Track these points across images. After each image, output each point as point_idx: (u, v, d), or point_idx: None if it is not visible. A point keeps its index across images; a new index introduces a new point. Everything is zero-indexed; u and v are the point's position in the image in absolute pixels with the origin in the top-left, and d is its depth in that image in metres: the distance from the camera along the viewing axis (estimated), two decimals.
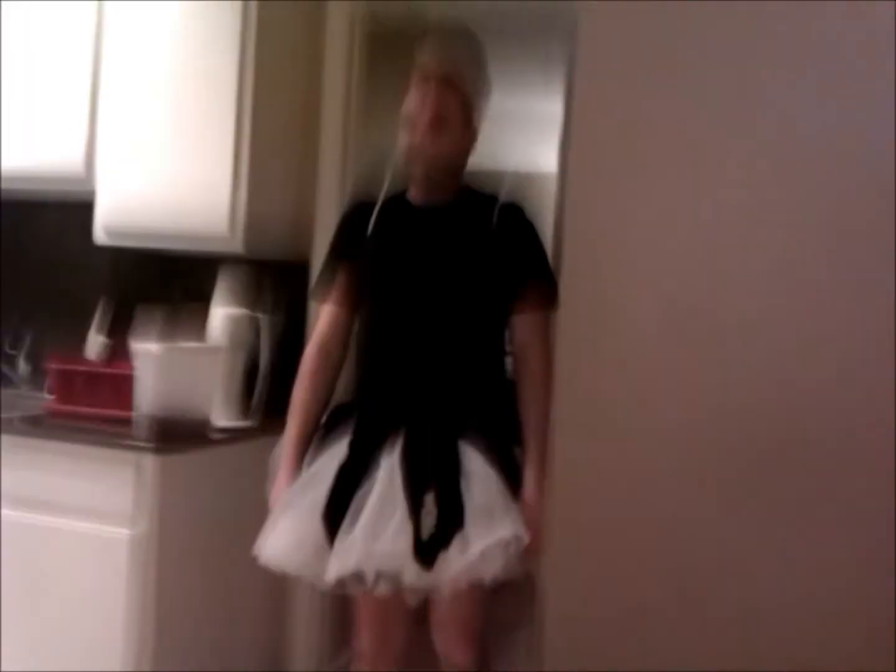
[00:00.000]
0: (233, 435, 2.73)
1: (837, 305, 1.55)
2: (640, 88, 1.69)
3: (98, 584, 2.50)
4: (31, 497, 2.58)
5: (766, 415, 1.60)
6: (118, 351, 2.91)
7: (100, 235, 2.94)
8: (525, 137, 6.43)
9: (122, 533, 2.46)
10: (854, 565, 1.53)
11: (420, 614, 2.22)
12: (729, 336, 1.63)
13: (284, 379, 2.32)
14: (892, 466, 1.50)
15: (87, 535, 2.51)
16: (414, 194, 2.23)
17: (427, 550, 1.99)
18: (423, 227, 2.20)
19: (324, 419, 2.25)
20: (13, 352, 3.30)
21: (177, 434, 2.54)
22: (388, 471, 2.05)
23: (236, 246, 2.76)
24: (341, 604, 2.33)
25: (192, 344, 2.73)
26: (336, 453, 2.13)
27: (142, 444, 2.47)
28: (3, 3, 3.07)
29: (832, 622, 1.55)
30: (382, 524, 2.00)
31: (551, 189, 4.68)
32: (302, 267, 2.87)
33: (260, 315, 2.83)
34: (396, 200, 2.25)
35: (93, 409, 2.69)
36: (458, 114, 2.16)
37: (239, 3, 2.74)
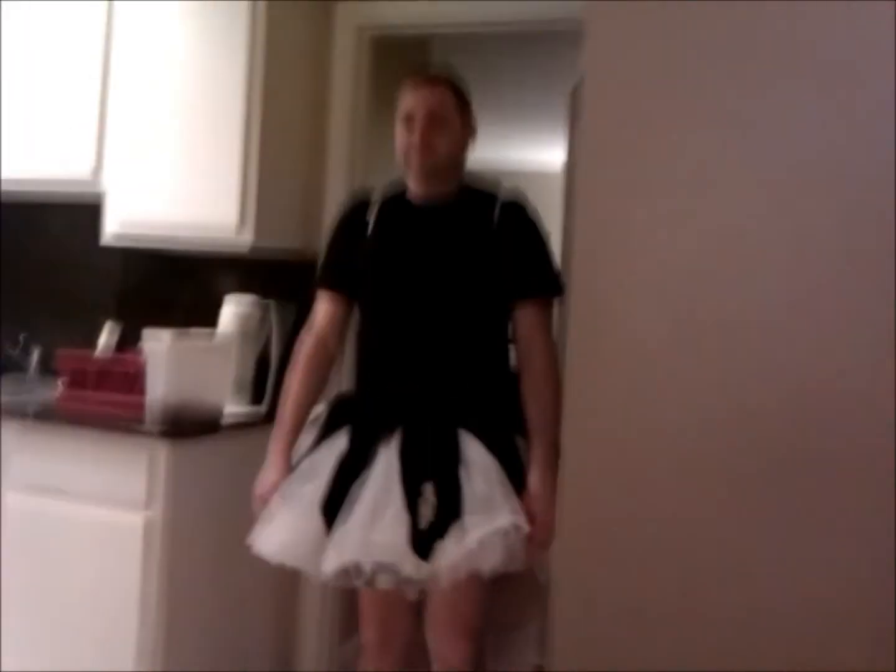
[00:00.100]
0: (244, 423, 2.77)
1: (847, 308, 1.55)
2: (650, 89, 1.67)
3: (109, 569, 2.53)
4: (44, 484, 2.62)
5: (776, 416, 1.57)
6: (129, 345, 2.96)
7: (110, 236, 2.97)
8: (527, 136, 6.47)
9: (135, 519, 2.50)
10: (866, 566, 1.55)
11: (423, 608, 2.19)
12: (737, 336, 1.61)
13: None
14: None
15: (100, 521, 2.54)
16: (413, 193, 2.23)
17: (424, 540, 1.97)
18: (424, 225, 2.21)
19: (324, 410, 2.25)
20: (23, 347, 3.34)
21: (188, 422, 2.57)
22: (386, 462, 2.05)
23: (247, 240, 2.80)
24: (350, 592, 2.34)
25: (203, 338, 2.77)
26: (335, 445, 2.13)
27: (153, 430, 2.51)
28: (5, 3, 3.10)
29: (845, 623, 1.55)
30: (379, 515, 1.99)
31: (553, 187, 4.72)
32: (311, 262, 2.90)
33: (270, 307, 2.88)
34: (396, 199, 2.26)
35: (104, 400, 2.72)
36: (455, 111, 2.18)
37: (248, 2, 2.78)
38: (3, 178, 3.08)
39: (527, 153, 6.98)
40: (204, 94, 2.84)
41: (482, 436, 2.06)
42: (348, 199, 2.40)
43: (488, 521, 1.97)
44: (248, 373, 2.82)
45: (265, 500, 2.16)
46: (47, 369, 3.20)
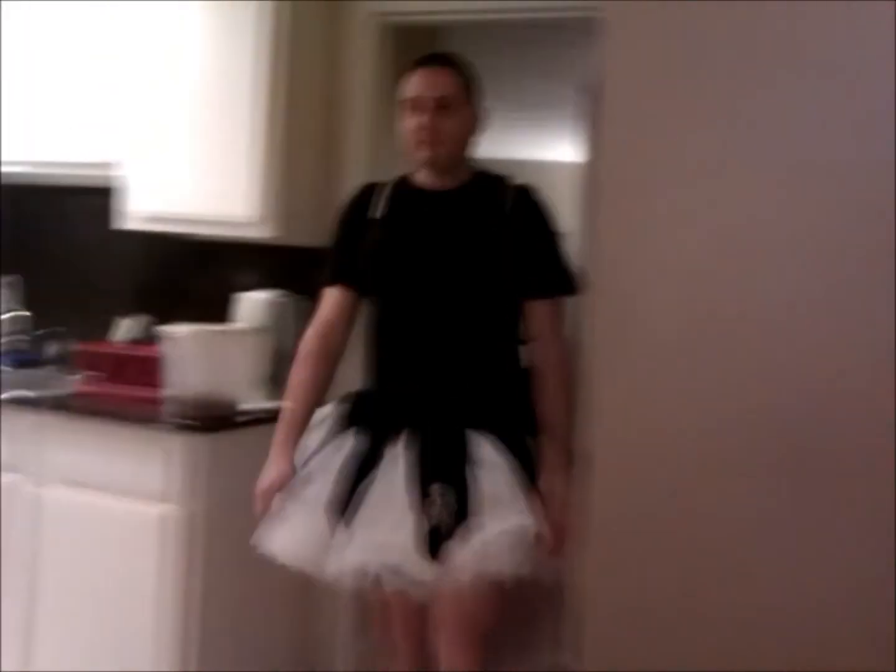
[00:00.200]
0: (264, 417, 2.76)
1: (870, 307, 1.55)
2: (673, 84, 1.67)
3: (128, 559, 2.55)
4: (63, 474, 2.64)
5: (801, 412, 1.58)
6: (147, 334, 2.95)
7: (131, 221, 2.97)
8: (540, 126, 6.43)
9: (152, 512, 2.52)
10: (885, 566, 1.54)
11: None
12: (759, 333, 1.61)
13: None
14: None
15: (120, 513, 2.56)
16: (423, 178, 2.18)
17: (431, 541, 1.94)
18: (434, 212, 2.16)
19: (334, 409, 2.21)
20: (41, 337, 3.34)
21: (207, 415, 2.58)
22: (394, 462, 2.02)
23: (267, 231, 2.79)
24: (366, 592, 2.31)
25: (222, 327, 2.77)
26: (344, 445, 2.11)
27: (172, 424, 2.51)
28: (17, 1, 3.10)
29: (862, 622, 1.55)
30: (386, 516, 1.97)
31: (563, 177, 4.70)
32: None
33: (288, 301, 2.87)
34: (405, 185, 2.21)
35: (122, 390, 2.73)
36: (462, 95, 2.14)
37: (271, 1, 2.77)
38: (25, 162, 3.09)
39: (534, 148, 6.94)
40: (225, 84, 2.83)
41: (493, 435, 2.03)
42: (353, 190, 2.35)
43: (497, 523, 1.93)
44: (267, 367, 2.81)
45: (268, 499, 2.10)
46: (65, 359, 3.19)
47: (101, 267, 3.39)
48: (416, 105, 2.11)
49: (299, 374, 2.20)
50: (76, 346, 2.93)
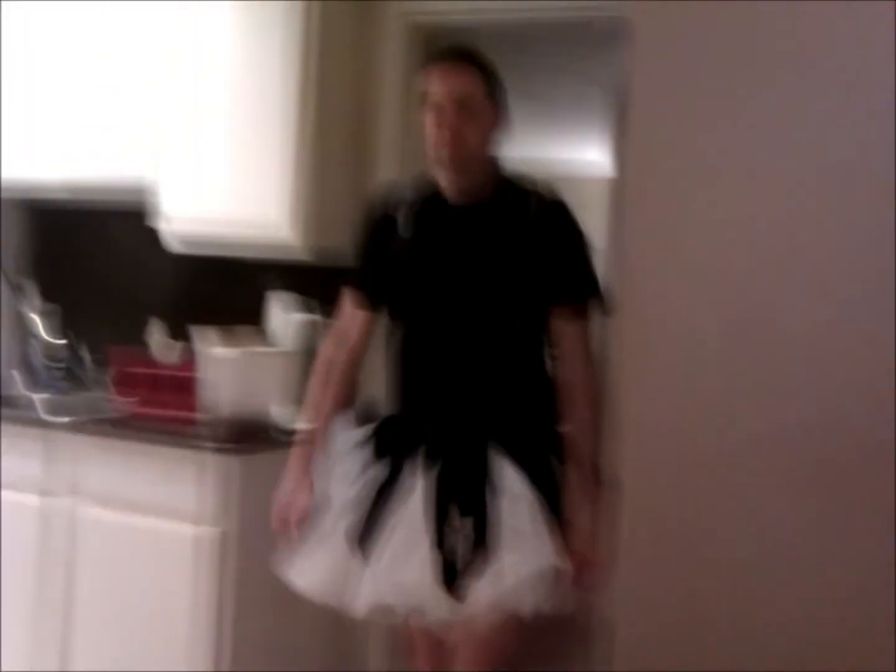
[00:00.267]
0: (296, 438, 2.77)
1: None
2: (702, 91, 1.66)
3: (162, 579, 2.56)
4: (99, 495, 2.67)
5: (828, 432, 1.56)
6: (183, 354, 2.98)
7: (169, 242, 2.99)
8: (568, 127, 6.38)
9: (187, 531, 2.53)
10: None
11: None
12: (788, 350, 1.59)
13: None
14: None
15: (155, 532, 2.58)
16: (446, 188, 2.10)
17: (450, 573, 1.90)
18: (462, 232, 2.10)
19: (362, 434, 2.15)
20: (76, 358, 3.36)
21: (244, 435, 2.59)
22: (418, 492, 1.98)
23: (302, 253, 2.81)
24: None
25: (259, 348, 2.78)
26: (374, 475, 2.06)
27: (207, 445, 2.53)
28: (27, 5, 3.13)
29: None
30: (404, 551, 1.93)
31: (593, 193, 4.68)
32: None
33: (322, 319, 2.88)
34: (430, 198, 2.14)
35: (158, 410, 2.74)
36: (485, 97, 2.07)
37: (301, 2, 2.77)
38: (58, 180, 3.10)
39: (561, 148, 6.92)
40: (255, 87, 2.83)
41: (517, 459, 1.98)
42: (375, 200, 2.30)
43: (518, 558, 1.88)
44: (301, 388, 2.81)
45: (289, 524, 2.10)
46: (100, 381, 3.21)
47: (136, 283, 3.40)
48: (436, 107, 2.05)
49: (322, 393, 2.19)
50: (111, 367, 2.95)
